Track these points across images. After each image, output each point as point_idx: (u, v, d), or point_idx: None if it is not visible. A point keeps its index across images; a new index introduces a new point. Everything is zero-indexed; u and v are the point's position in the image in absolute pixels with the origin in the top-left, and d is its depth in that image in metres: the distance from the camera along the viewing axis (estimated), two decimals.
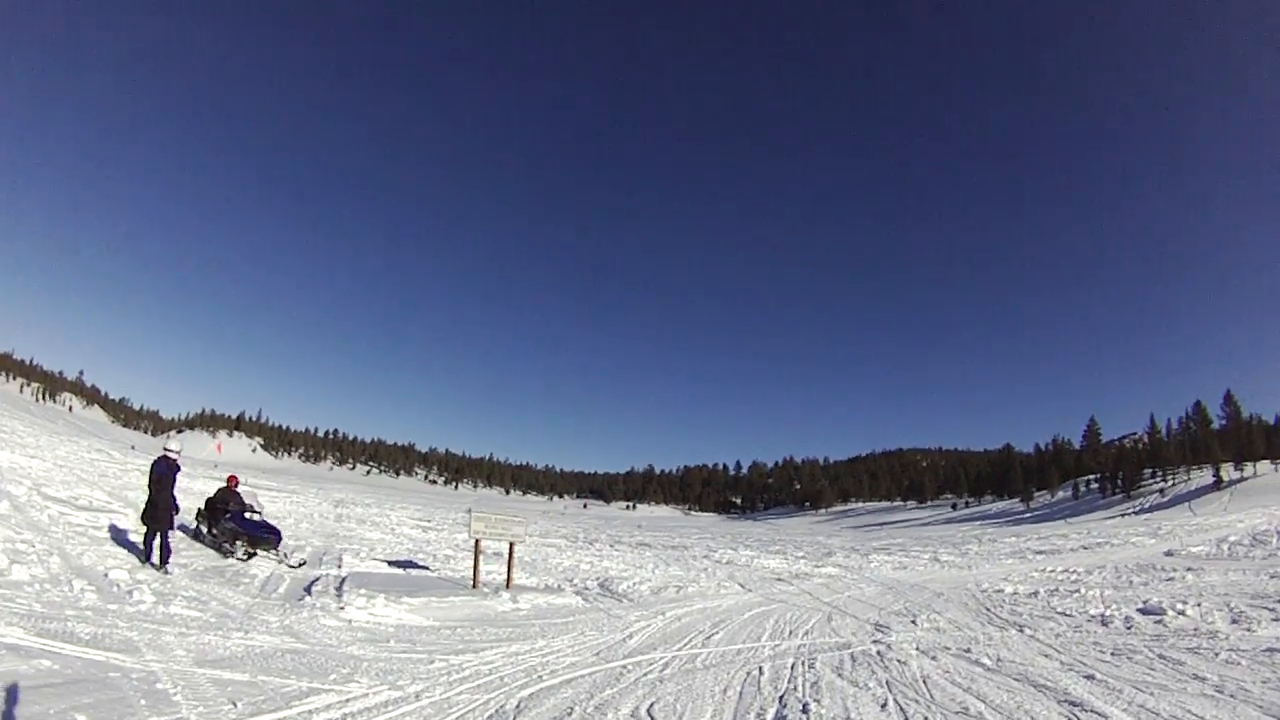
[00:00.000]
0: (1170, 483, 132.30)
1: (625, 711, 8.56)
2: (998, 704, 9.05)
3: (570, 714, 8.36)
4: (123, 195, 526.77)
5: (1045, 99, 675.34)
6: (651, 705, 8.87)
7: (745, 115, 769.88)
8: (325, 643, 11.09)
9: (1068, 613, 17.68)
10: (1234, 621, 14.82)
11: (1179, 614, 16.07)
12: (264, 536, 18.60)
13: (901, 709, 8.86)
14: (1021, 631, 15.22)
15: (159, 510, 15.09)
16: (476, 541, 19.04)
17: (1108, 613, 17.08)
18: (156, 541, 15.06)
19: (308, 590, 15.28)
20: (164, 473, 15.49)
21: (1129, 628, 15.08)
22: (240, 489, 20.34)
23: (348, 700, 8.19)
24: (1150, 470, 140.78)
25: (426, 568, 21.98)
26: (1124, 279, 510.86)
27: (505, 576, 19.84)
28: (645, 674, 10.78)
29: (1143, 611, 16.94)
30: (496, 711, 8.35)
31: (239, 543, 18.18)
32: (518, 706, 8.60)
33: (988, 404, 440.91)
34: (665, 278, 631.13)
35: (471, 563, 19.20)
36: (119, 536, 17.14)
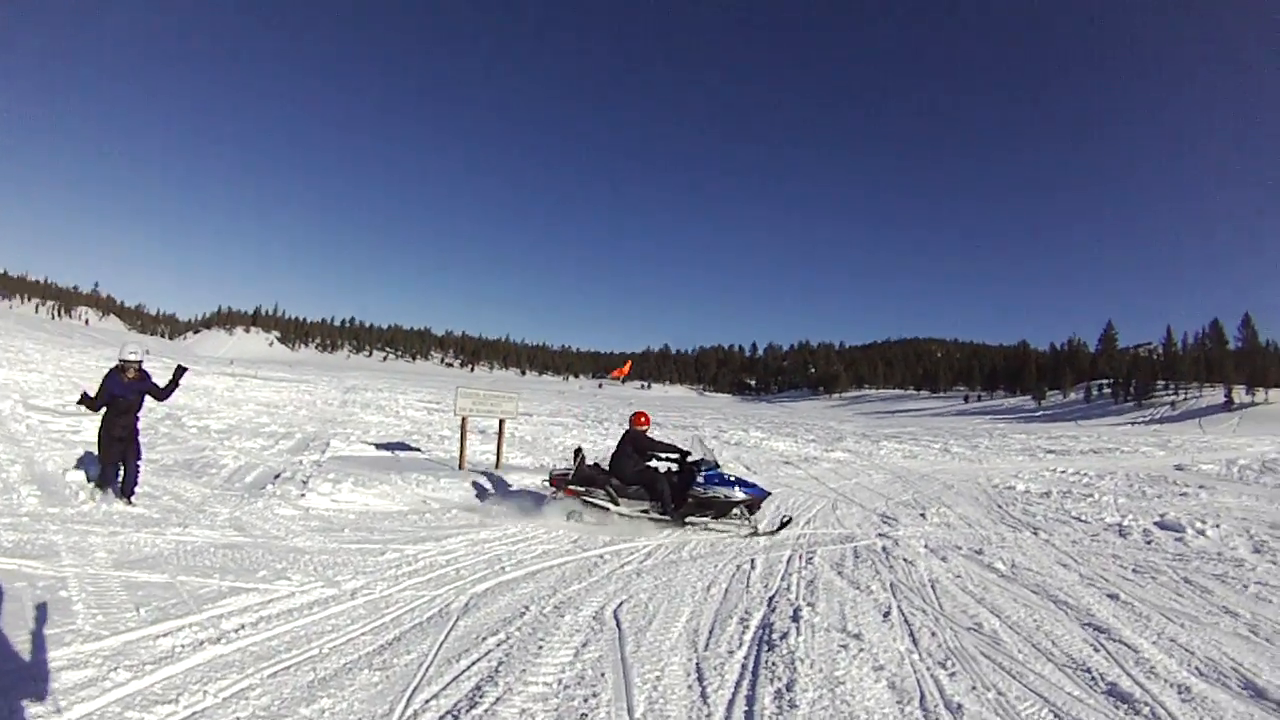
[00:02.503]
0: (1182, 397, 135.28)
1: (587, 613, 7.63)
2: (1015, 621, 8.07)
3: (523, 615, 7.43)
4: (119, 99, 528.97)
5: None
6: (620, 605, 7.96)
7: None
8: (271, 535, 10.26)
9: (1083, 518, 16.82)
10: (1256, 550, 13.64)
11: (1199, 534, 15.03)
12: (759, 494, 13.57)
13: (906, 621, 7.88)
14: (1036, 534, 14.39)
15: (112, 443, 11.31)
16: (463, 420, 18.37)
17: (1125, 523, 16.18)
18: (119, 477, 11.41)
19: (276, 478, 14.46)
20: (119, 394, 11.33)
21: (1148, 542, 14.05)
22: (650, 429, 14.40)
23: (269, 601, 7.34)
24: (1163, 382, 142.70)
25: (418, 449, 21.49)
26: (1152, 186, 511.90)
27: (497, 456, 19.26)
28: (623, 565, 10.00)
29: (1160, 526, 15.94)
30: (439, 612, 7.44)
31: (738, 512, 13.26)
32: (465, 606, 7.69)
33: (1006, 298, 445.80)
34: (683, 154, 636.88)
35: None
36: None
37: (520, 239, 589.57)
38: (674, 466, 13.83)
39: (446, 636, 6.70)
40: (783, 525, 13.44)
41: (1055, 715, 5.66)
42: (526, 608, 7.68)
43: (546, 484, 14.11)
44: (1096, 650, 7.20)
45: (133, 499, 11.33)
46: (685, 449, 13.93)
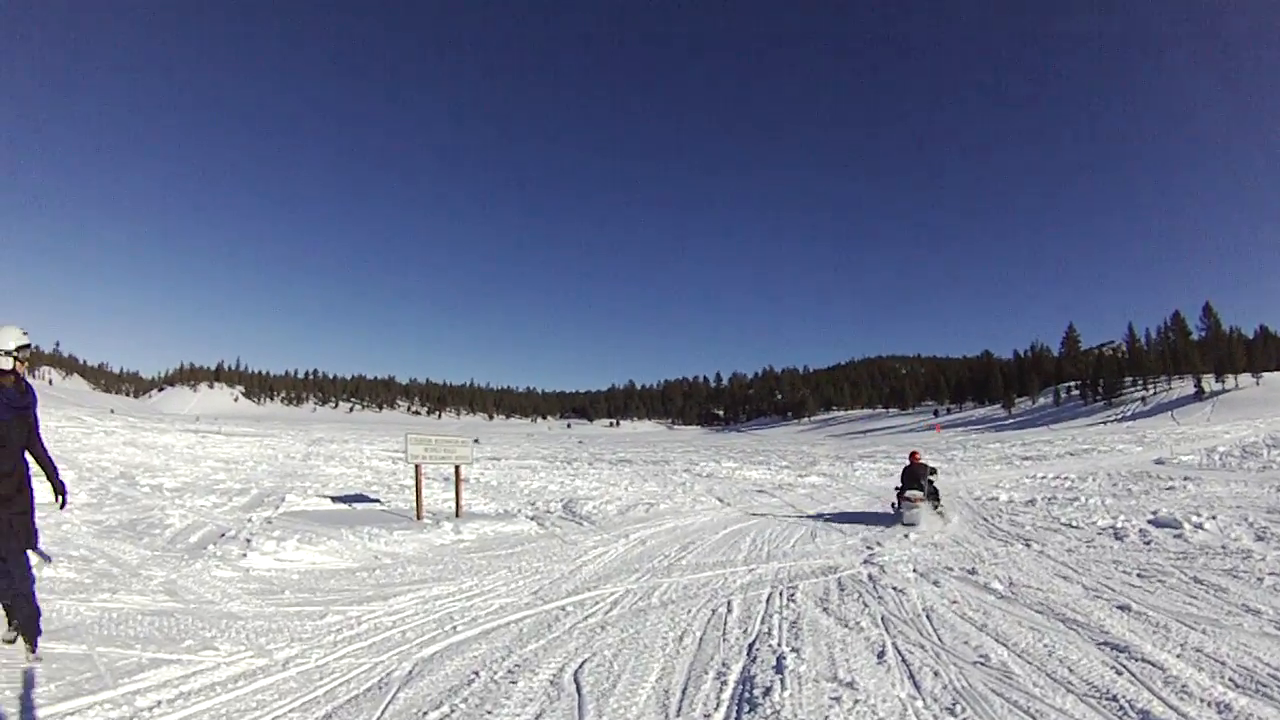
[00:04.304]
0: (1151, 391, 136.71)
1: (544, 676, 6.71)
2: (1024, 648, 7.30)
3: (471, 683, 6.51)
4: (72, 157, 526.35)
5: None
6: (581, 665, 7.04)
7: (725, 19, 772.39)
8: (205, 599, 9.41)
9: (1073, 524, 16.48)
10: (1260, 539, 13.29)
11: (1197, 528, 14.63)
12: None
13: (904, 660, 7.03)
14: (1029, 546, 13.83)
15: None
16: (417, 468, 17.91)
17: (1118, 524, 15.77)
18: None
19: (221, 536, 13.60)
20: None
21: (1147, 543, 13.64)
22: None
23: (192, 674, 6.55)
24: (1131, 379, 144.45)
25: (377, 500, 20.74)
26: (1102, 185, 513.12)
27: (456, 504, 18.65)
28: (586, 617, 9.05)
29: (1155, 524, 15.60)
30: (379, 682, 6.59)
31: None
32: (409, 674, 6.82)
33: (966, 311, 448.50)
34: (640, 191, 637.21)
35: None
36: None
37: (481, 283, 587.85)
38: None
39: (383, 712, 5.90)
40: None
41: None
42: (476, 673, 6.81)
43: (896, 502, 19.13)
44: (1119, 673, 6.52)
45: (37, 643, 6.67)
46: (934, 467, 21.00)
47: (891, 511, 19.71)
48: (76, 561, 10.81)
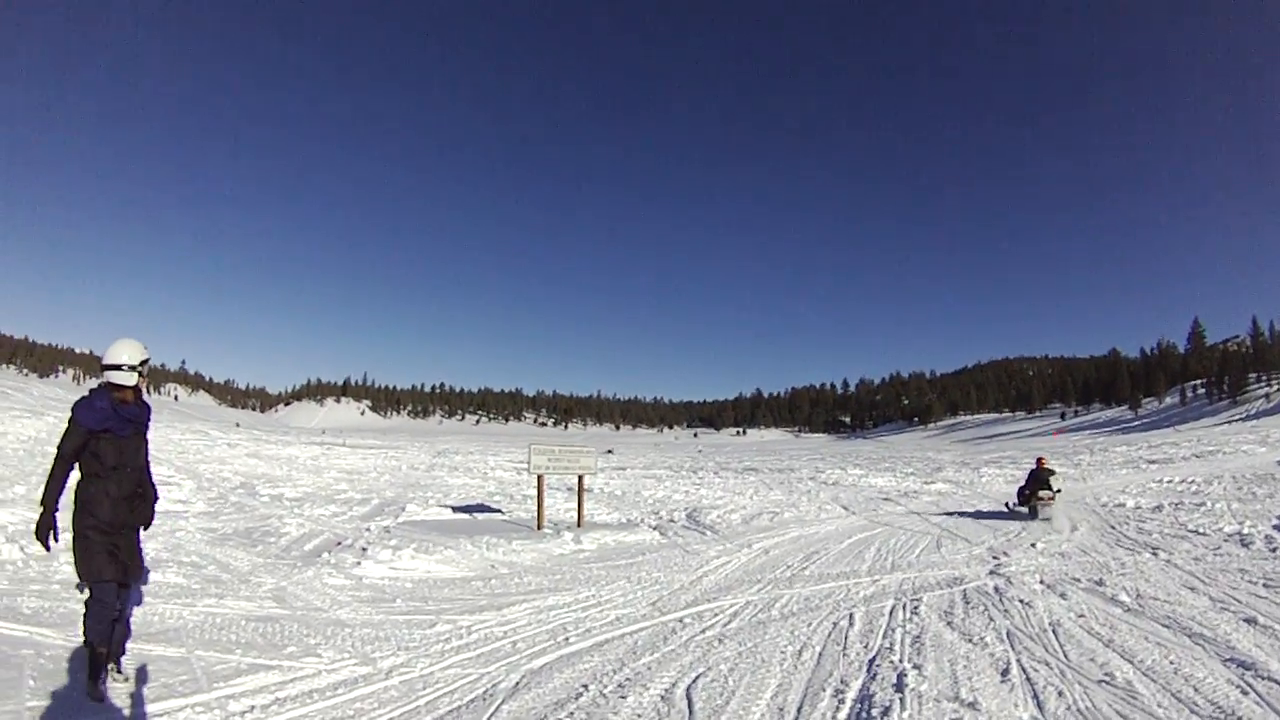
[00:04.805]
0: (1275, 387, 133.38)
1: (656, 692, 6.46)
2: (1149, 665, 6.98)
3: (578, 697, 6.30)
4: (197, 176, 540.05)
5: None
6: (695, 680, 6.76)
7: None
8: (314, 606, 9.43)
9: (1200, 530, 16.15)
10: None
11: None
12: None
13: (1028, 678, 6.69)
14: (1156, 555, 13.46)
15: (100, 534, 5.97)
16: (539, 478, 17.79)
17: (1244, 530, 15.54)
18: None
19: (337, 545, 13.75)
20: (111, 430, 5.96)
21: (1272, 549, 13.35)
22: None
23: (291, 680, 6.56)
24: (1255, 374, 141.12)
25: (498, 510, 20.85)
26: (1222, 173, 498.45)
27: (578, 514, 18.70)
28: (704, 630, 8.78)
29: None
30: (484, 693, 6.43)
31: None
32: (515, 686, 6.64)
33: (1091, 307, 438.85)
34: (760, 196, 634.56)
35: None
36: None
37: (608, 295, 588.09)
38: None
39: None
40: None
41: None
42: (585, 687, 6.60)
43: (1015, 501, 22.41)
44: (1245, 693, 6.23)
45: (121, 663, 6.39)
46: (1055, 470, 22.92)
47: (1007, 510, 22.46)
48: (186, 567, 10.94)
